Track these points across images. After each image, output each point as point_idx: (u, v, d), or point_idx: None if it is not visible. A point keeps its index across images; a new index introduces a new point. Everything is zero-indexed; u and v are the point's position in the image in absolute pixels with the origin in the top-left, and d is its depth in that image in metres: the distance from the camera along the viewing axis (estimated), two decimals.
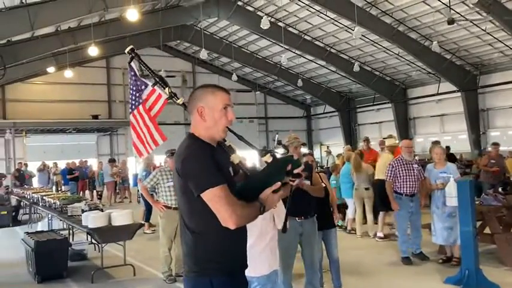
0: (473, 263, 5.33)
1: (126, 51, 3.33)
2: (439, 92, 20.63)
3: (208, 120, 2.22)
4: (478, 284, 5.26)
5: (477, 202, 6.53)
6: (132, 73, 5.10)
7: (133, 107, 5.20)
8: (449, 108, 20.77)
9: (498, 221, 6.71)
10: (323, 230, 5.12)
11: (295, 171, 2.18)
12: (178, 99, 2.82)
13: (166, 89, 2.93)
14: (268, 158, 2.21)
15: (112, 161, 17.83)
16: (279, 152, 2.32)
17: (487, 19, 15.16)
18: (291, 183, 2.21)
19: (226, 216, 2.04)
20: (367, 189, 8.73)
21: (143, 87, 5.14)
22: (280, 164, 2.21)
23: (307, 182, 4.47)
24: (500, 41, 16.67)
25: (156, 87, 4.58)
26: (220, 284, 2.16)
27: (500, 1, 13.86)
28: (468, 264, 5.36)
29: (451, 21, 14.20)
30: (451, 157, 13.30)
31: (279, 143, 2.51)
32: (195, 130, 2.26)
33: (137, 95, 5.14)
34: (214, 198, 2.05)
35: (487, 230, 6.82)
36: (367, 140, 11.65)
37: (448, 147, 15.79)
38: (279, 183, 2.17)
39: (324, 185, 5.09)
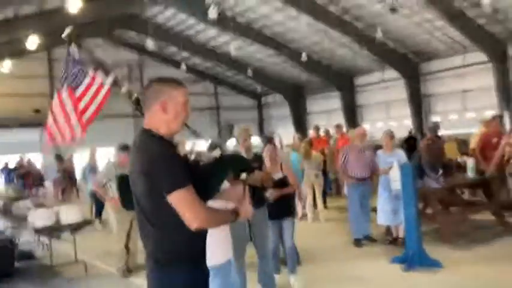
0: (416, 243, 5.63)
1: (63, 36, 3.16)
2: (384, 79, 21.35)
3: (170, 114, 2.22)
4: (422, 263, 5.56)
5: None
6: (70, 57, 4.69)
7: (63, 85, 4.81)
8: (394, 95, 21.51)
9: (438, 202, 7.11)
10: (279, 219, 5.20)
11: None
12: (123, 87, 2.76)
13: (109, 76, 2.86)
14: (217, 153, 2.27)
15: (59, 157, 17.17)
16: (229, 145, 2.41)
17: (427, 9, 15.77)
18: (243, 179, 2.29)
19: (191, 219, 2.10)
20: (316, 176, 8.99)
21: (80, 73, 4.72)
22: (226, 163, 2.28)
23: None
24: (438, 30, 17.42)
25: (97, 73, 4.32)
26: (187, 273, 2.21)
27: None
28: (412, 244, 5.66)
29: (393, 10, 14.73)
30: (410, 141, 13.91)
31: (228, 135, 2.62)
32: (151, 125, 2.24)
33: (73, 77, 4.70)
34: (180, 200, 2.08)
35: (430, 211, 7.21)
36: (316, 128, 11.95)
37: (410, 132, 16.64)
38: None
39: (284, 175, 5.14)
